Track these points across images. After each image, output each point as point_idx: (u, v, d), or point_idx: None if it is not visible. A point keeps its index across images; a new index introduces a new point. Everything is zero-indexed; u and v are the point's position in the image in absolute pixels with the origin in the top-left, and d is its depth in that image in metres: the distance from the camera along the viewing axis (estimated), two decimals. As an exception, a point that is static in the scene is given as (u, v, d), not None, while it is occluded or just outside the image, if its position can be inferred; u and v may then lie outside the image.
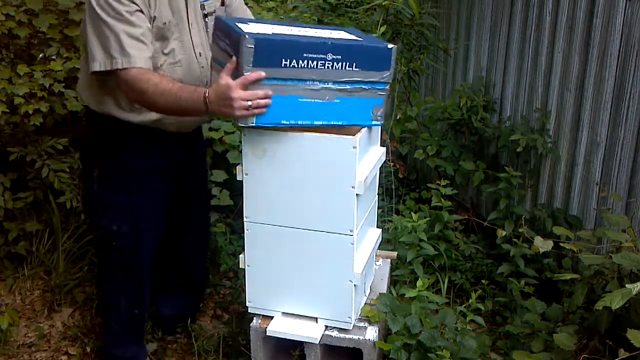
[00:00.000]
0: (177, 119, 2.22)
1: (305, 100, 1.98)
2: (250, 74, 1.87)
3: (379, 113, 2.10)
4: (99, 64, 2.05)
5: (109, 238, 2.35)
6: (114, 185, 2.30)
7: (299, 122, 2.01)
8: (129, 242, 2.36)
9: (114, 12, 2.01)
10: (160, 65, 2.15)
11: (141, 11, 2.05)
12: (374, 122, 2.12)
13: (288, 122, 2.00)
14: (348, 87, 2.02)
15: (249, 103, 1.88)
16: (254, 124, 1.97)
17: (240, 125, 2.00)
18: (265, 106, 1.91)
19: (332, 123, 2.05)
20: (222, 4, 2.34)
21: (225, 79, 1.89)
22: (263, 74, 1.88)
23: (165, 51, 2.16)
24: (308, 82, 1.97)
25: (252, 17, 2.50)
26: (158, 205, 2.39)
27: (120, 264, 2.40)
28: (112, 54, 2.02)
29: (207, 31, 2.29)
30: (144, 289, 2.48)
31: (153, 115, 2.17)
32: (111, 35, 2.02)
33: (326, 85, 1.99)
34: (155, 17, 2.10)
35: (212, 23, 2.27)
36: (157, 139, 2.27)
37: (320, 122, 2.03)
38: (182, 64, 2.20)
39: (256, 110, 1.91)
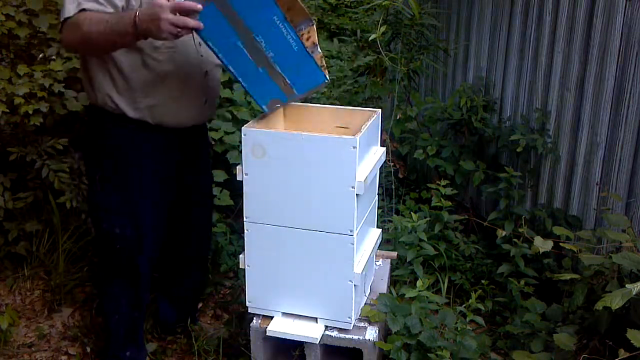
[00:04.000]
0: (175, 106, 2.20)
1: (241, 46, 1.96)
2: (185, 2, 1.84)
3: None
4: (60, 23, 2.04)
5: (110, 241, 2.34)
6: (115, 187, 2.28)
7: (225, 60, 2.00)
8: (130, 245, 2.34)
9: None
10: (157, 47, 2.12)
11: None
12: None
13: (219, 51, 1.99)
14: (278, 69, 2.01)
15: (177, 30, 1.84)
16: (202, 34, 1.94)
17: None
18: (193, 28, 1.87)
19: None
20: None
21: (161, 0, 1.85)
22: (199, 6, 1.85)
23: None
24: (256, 37, 1.95)
25: None
26: (159, 207, 2.37)
27: (121, 267, 2.38)
28: (65, 6, 2.01)
29: None
30: (143, 291, 2.47)
31: (149, 101, 2.16)
32: None
33: (268, 54, 1.98)
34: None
35: None
36: (157, 137, 2.26)
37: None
38: (178, 49, 2.17)
39: (183, 32, 1.87)
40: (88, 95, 2.27)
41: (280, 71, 2.05)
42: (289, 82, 2.08)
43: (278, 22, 1.96)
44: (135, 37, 1.92)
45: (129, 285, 2.42)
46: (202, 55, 2.24)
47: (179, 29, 1.84)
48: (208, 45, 1.97)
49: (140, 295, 2.46)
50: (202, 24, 1.87)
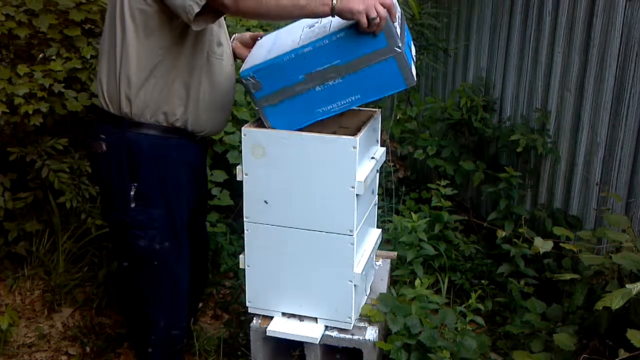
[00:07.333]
0: (215, 114, 2.19)
1: (325, 65, 1.94)
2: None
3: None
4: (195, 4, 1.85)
5: (149, 258, 2.21)
6: (154, 200, 2.15)
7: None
8: (171, 259, 2.24)
9: None
10: (213, 52, 2.12)
11: None
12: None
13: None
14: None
15: (373, 15, 1.79)
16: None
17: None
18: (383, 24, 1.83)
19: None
20: None
21: None
22: (398, 12, 1.91)
23: (221, 40, 2.14)
24: (335, 79, 1.96)
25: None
26: (189, 214, 2.30)
27: (163, 282, 2.27)
28: None
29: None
30: (185, 305, 2.37)
31: (199, 107, 2.12)
32: None
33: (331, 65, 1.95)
34: None
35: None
36: (187, 146, 2.19)
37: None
38: (224, 58, 2.17)
39: (376, 23, 1.81)
40: (119, 104, 2.08)
41: (288, 96, 2.02)
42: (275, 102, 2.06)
43: (353, 98, 1.99)
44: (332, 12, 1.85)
45: (170, 301, 2.31)
46: (231, 65, 2.24)
47: (377, 13, 1.79)
48: (328, 38, 1.90)
49: (183, 311, 2.36)
50: (383, 29, 1.85)
